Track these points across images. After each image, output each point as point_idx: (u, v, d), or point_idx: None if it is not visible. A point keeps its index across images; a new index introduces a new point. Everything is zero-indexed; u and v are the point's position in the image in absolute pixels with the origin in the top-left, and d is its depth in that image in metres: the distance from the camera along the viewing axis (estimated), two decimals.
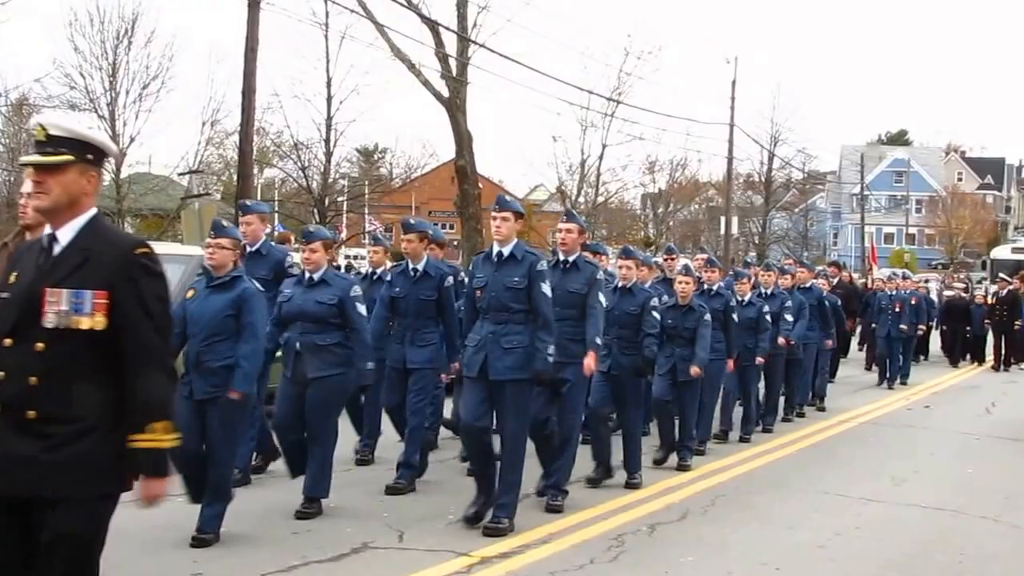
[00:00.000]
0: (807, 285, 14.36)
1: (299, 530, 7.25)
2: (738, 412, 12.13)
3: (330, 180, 37.00)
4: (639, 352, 8.89)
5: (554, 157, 44.30)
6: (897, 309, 18.44)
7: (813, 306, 13.87)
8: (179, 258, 10.26)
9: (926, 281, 30.67)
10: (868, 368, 20.22)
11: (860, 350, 21.83)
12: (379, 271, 9.96)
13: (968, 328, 23.24)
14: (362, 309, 7.69)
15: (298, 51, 50.86)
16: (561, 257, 8.25)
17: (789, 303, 12.74)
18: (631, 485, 9.02)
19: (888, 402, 15.95)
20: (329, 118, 34.49)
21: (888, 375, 18.29)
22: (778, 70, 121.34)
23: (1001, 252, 43.80)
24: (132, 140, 28.72)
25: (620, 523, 7.84)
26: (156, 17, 45.81)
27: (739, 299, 11.72)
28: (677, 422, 10.24)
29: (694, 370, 9.90)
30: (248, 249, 8.55)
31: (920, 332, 20.28)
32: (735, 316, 11.12)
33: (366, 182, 43.88)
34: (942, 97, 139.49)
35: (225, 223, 7.25)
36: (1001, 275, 26.44)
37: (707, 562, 7.03)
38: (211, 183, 34.32)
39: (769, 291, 12.69)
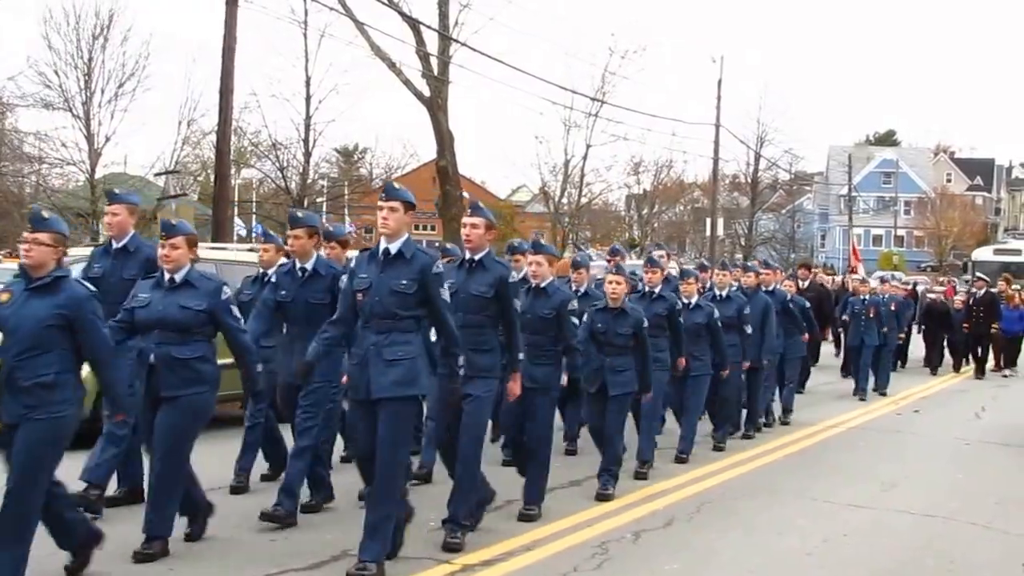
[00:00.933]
0: (771, 288, 13.22)
1: (277, 538, 7.12)
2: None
3: (309, 181, 36.85)
4: (553, 361, 7.91)
5: (537, 158, 44.26)
6: (871, 315, 17.19)
7: (777, 311, 12.80)
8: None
9: (914, 284, 30.29)
10: (844, 375, 19.46)
11: (837, 356, 21.00)
12: (270, 272, 8.61)
13: (948, 333, 22.21)
14: (236, 312, 6.76)
15: (276, 50, 50.53)
16: (466, 255, 7.34)
17: (748, 310, 11.63)
18: (526, 516, 7.83)
19: (876, 407, 15.85)
20: (308, 117, 34.39)
21: (861, 385, 16.92)
22: (765, 69, 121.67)
23: (983, 253, 42.71)
24: (108, 140, 28.53)
25: (604, 530, 7.74)
26: (133, 15, 45.58)
27: (685, 302, 10.56)
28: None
29: (646, 396, 9.12)
30: (114, 245, 7.82)
31: (900, 339, 19.06)
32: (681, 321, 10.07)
33: (346, 183, 43.69)
34: (931, 97, 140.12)
35: (46, 214, 6.12)
36: (978, 274, 25.31)
37: (693, 569, 6.98)
38: (188, 184, 34.07)
39: (724, 294, 11.60)
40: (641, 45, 45.44)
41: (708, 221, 46.59)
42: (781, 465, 10.98)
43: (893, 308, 18.06)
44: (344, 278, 6.88)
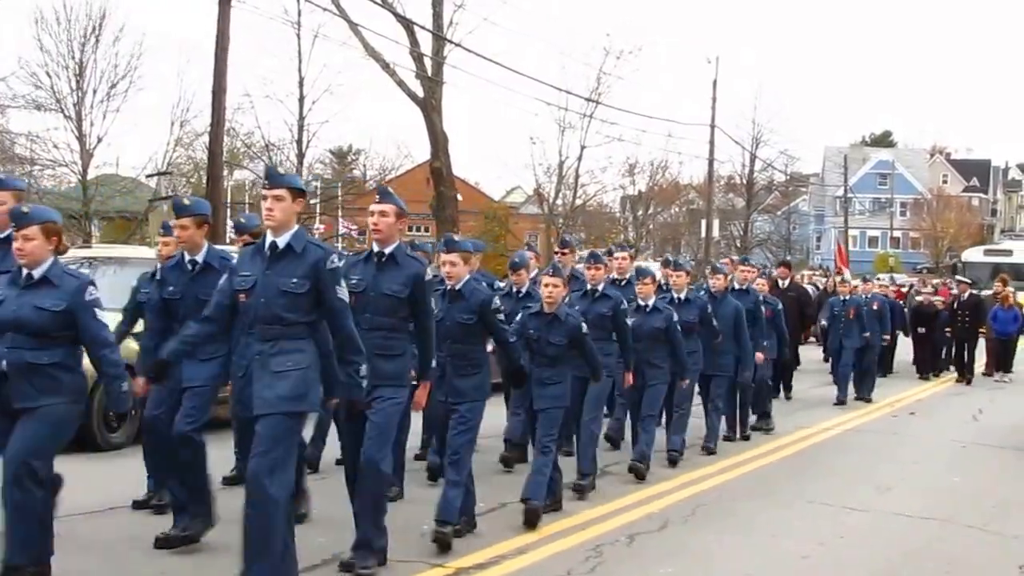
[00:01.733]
0: (744, 287, 12.42)
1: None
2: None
3: (302, 182, 36.72)
4: (479, 371, 7.17)
5: (531, 159, 44.16)
6: (851, 316, 16.21)
7: (749, 311, 11.79)
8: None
9: (911, 287, 29.67)
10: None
11: (826, 361, 19.44)
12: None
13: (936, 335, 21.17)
14: (102, 316, 5.88)
15: (269, 50, 50.43)
16: (375, 248, 6.56)
17: (710, 311, 10.77)
18: (439, 540, 6.93)
19: (871, 410, 15.80)
20: (301, 118, 34.39)
21: (841, 391, 16.05)
22: (760, 70, 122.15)
23: (974, 254, 41.31)
24: (99, 141, 28.43)
25: (598, 533, 7.71)
26: (125, 15, 45.45)
27: (641, 304, 9.79)
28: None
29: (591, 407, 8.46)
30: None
31: (885, 341, 18.00)
32: (628, 323, 9.06)
33: (339, 184, 43.60)
34: (927, 98, 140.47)
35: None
36: (959, 277, 24.22)
37: (687, 572, 6.98)
38: (180, 185, 33.92)
39: (683, 296, 10.63)
40: (636, 45, 45.15)
41: (704, 223, 46.52)
42: (777, 468, 10.95)
43: (876, 308, 17.25)
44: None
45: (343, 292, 5.75)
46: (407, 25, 27.81)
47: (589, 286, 9.15)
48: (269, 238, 5.73)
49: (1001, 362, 21.33)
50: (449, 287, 7.17)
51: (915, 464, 11.43)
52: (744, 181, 58.26)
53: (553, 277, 8.00)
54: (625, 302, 9.20)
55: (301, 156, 35.53)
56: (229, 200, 27.87)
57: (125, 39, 28.92)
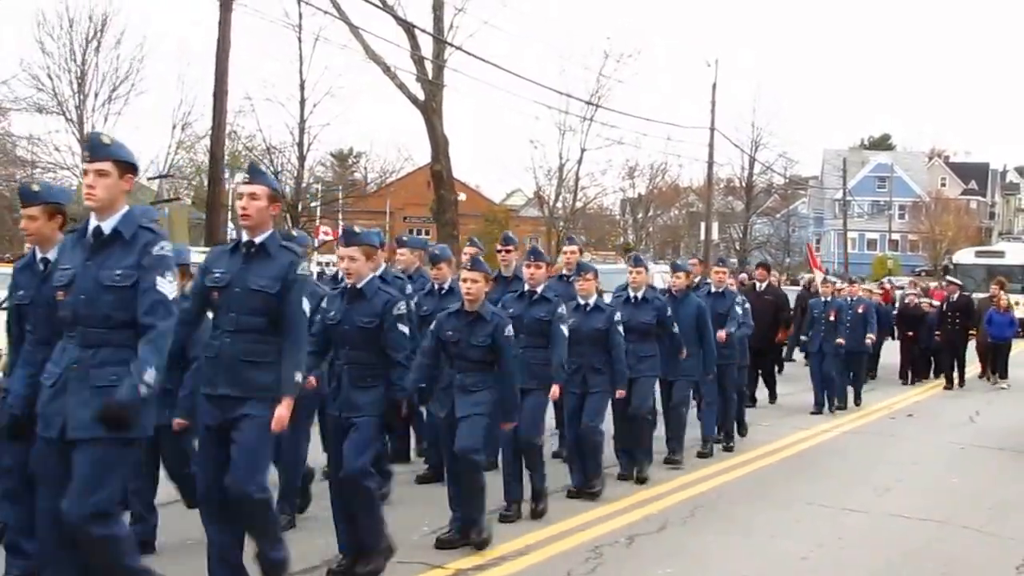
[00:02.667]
0: (720, 289, 11.73)
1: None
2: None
3: (303, 185, 36.93)
4: (379, 383, 6.27)
5: (532, 162, 44.19)
6: (832, 318, 15.16)
7: (720, 314, 11.29)
8: None
9: (900, 287, 29.64)
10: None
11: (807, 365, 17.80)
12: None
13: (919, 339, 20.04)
14: None
15: (271, 53, 50.50)
16: (244, 237, 5.57)
17: (669, 313, 9.82)
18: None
19: (869, 412, 15.79)
20: (302, 121, 34.48)
21: (822, 398, 15.07)
22: (759, 72, 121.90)
23: (965, 256, 39.88)
24: None
25: (598, 534, 7.72)
26: (126, 19, 45.47)
27: (581, 303, 8.89)
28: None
29: (505, 426, 7.32)
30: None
31: (868, 346, 16.58)
32: (564, 329, 8.10)
33: (340, 187, 43.71)
34: (925, 101, 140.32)
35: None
36: (948, 278, 23.21)
37: (686, 573, 6.99)
38: (181, 187, 34.00)
39: (640, 295, 9.77)
40: (635, 48, 45.51)
41: (703, 225, 46.58)
42: (775, 469, 10.96)
43: (860, 311, 16.09)
44: None
45: (165, 285, 4.82)
46: (408, 28, 27.91)
47: (527, 287, 8.25)
48: (92, 222, 4.88)
49: (996, 366, 20.62)
50: (348, 285, 6.35)
51: (913, 466, 11.45)
52: (743, 184, 58.32)
53: (472, 272, 7.16)
54: (564, 306, 8.24)
55: (302, 159, 35.68)
56: (230, 203, 27.88)
57: (126, 42, 29.08)
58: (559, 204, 42.78)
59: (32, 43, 29.05)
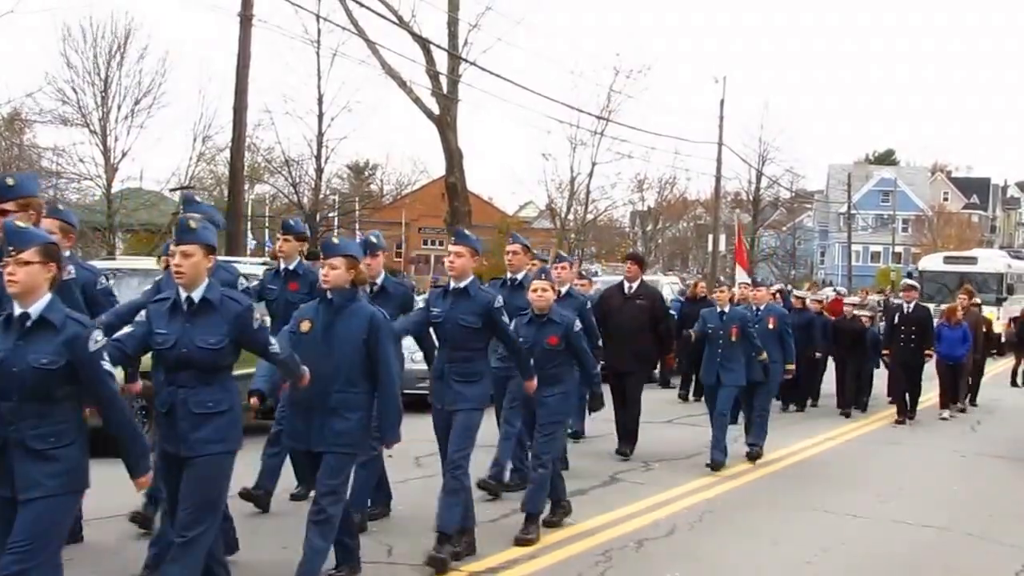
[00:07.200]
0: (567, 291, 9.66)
1: (288, 544, 6.98)
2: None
3: (321, 196, 37.10)
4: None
5: (544, 175, 44.27)
6: (732, 337, 10.89)
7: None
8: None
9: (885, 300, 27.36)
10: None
11: (696, 398, 16.28)
12: None
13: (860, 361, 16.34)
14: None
15: (290, 68, 50.77)
16: (183, 294, 5.45)
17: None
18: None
19: (871, 421, 15.83)
20: (320, 134, 34.63)
21: (717, 448, 10.87)
22: (766, 89, 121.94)
23: (931, 262, 35.62)
24: (124, 155, 28.68)
25: (607, 538, 7.83)
26: (149, 33, 45.79)
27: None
28: None
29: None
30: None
31: (788, 374, 12.57)
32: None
33: (357, 198, 43.94)
34: (929, 117, 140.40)
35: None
36: (907, 282, 17.88)
37: None
38: (202, 199, 34.19)
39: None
40: (645, 64, 45.63)
41: (711, 237, 46.70)
42: (781, 476, 11.06)
43: (771, 327, 12.09)
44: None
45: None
46: (423, 44, 28.14)
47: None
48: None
49: (954, 393, 16.73)
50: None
51: (915, 473, 11.56)
52: (750, 197, 58.37)
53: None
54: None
55: (320, 171, 35.82)
56: (250, 213, 28.22)
57: (149, 56, 29.29)
58: (570, 216, 42.93)
59: (57, 57, 29.19)
